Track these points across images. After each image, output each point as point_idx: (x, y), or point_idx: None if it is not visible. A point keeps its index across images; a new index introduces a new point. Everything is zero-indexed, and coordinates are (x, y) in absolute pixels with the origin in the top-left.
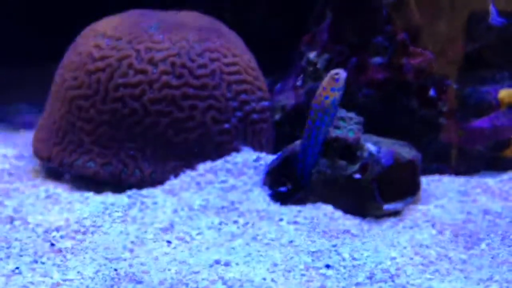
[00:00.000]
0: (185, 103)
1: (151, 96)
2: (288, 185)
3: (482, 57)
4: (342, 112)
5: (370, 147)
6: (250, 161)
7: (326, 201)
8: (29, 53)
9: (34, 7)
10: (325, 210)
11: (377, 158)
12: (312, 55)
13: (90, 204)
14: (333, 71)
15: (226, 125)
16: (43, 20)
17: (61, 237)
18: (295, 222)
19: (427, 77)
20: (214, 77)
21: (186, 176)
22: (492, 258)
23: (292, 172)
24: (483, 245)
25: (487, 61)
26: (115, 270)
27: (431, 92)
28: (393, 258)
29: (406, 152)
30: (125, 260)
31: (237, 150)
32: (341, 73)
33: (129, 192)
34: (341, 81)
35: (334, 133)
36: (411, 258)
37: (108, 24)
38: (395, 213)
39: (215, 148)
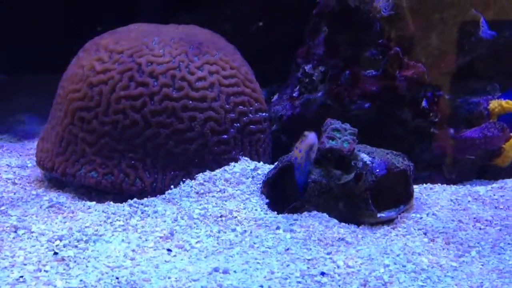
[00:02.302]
0: (185, 114)
1: (152, 108)
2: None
3: (474, 69)
4: (337, 124)
5: (364, 157)
6: (248, 171)
7: (321, 209)
8: (32, 62)
9: (37, 17)
10: (321, 218)
11: (371, 168)
12: (308, 67)
13: (92, 213)
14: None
15: (225, 136)
16: (46, 32)
17: (64, 246)
18: (292, 231)
19: (419, 89)
20: (213, 89)
21: (186, 186)
22: (482, 265)
23: (289, 181)
24: (473, 253)
25: (479, 73)
26: (117, 278)
27: (424, 103)
28: (386, 266)
29: (399, 162)
30: (126, 268)
31: (235, 160)
32: (309, 136)
33: (130, 201)
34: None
35: (329, 143)
36: (404, 266)
37: (110, 38)
38: (389, 221)
39: (214, 158)
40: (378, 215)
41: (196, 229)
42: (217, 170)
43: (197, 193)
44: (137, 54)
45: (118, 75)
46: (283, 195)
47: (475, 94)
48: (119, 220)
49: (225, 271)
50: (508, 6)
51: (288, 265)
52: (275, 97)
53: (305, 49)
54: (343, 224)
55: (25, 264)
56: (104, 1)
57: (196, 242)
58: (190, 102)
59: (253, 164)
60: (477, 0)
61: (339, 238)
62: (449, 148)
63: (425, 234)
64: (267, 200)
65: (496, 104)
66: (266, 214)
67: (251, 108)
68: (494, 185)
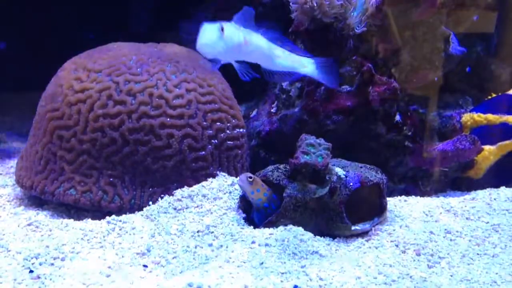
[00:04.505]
0: (163, 132)
1: (130, 125)
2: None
3: (447, 83)
4: (311, 139)
5: (339, 171)
6: (225, 186)
7: (297, 223)
8: (12, 81)
9: (21, 36)
10: (296, 232)
11: (345, 181)
12: (285, 83)
13: (69, 230)
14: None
15: (202, 152)
16: (27, 50)
17: (40, 263)
18: (267, 244)
19: (392, 104)
20: (190, 106)
21: (164, 202)
22: (451, 276)
23: None
24: (443, 263)
25: (451, 87)
26: None
27: (397, 117)
28: (358, 278)
29: (373, 175)
30: (101, 285)
31: (213, 175)
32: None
33: (108, 218)
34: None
35: (303, 158)
36: (375, 277)
37: (88, 58)
38: (363, 234)
39: (191, 174)
40: (353, 227)
41: (173, 244)
42: (195, 186)
43: (174, 209)
44: (115, 73)
45: (96, 93)
46: None
47: (448, 108)
48: (96, 237)
49: (199, 286)
50: (478, 22)
51: (262, 279)
52: (254, 113)
53: None
54: (318, 237)
55: (0, 283)
56: (88, 20)
57: (173, 258)
58: (168, 119)
59: (230, 179)
60: (448, 17)
61: (313, 251)
62: (423, 161)
63: (397, 246)
64: (244, 215)
65: (468, 117)
66: (243, 228)
67: (228, 124)
68: (466, 196)
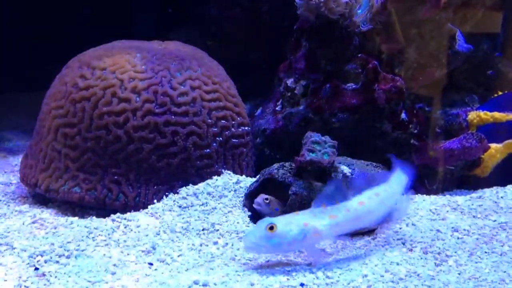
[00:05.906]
0: (167, 129)
1: (135, 123)
2: None
3: (453, 81)
4: (317, 136)
5: (344, 169)
6: (230, 184)
7: None
8: (15, 80)
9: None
10: None
11: (350, 179)
12: (290, 81)
13: (74, 228)
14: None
15: (207, 150)
16: (30, 48)
17: (46, 261)
18: None
19: (398, 101)
20: (195, 104)
21: (169, 200)
22: (459, 274)
23: (270, 194)
24: (450, 262)
25: (458, 85)
26: None
27: (403, 115)
28: (365, 276)
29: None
30: (106, 282)
31: (218, 173)
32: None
33: (113, 216)
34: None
35: (309, 156)
36: (382, 276)
37: (93, 55)
38: (369, 232)
39: (196, 172)
40: None
41: (178, 242)
42: (200, 184)
43: (179, 207)
44: (120, 71)
45: (100, 91)
46: None
47: (454, 106)
48: (101, 235)
49: (205, 284)
50: (484, 21)
51: (268, 277)
52: (258, 111)
53: (287, 64)
54: None
55: (5, 280)
56: (94, 19)
57: (178, 256)
58: (173, 117)
59: (235, 177)
60: (454, 15)
61: (320, 249)
62: (428, 159)
63: (403, 244)
64: (249, 213)
65: (475, 115)
66: (248, 226)
67: (233, 122)
68: (473, 194)
